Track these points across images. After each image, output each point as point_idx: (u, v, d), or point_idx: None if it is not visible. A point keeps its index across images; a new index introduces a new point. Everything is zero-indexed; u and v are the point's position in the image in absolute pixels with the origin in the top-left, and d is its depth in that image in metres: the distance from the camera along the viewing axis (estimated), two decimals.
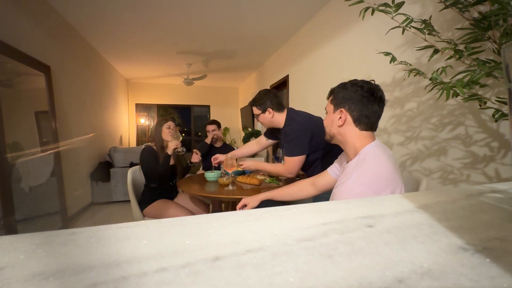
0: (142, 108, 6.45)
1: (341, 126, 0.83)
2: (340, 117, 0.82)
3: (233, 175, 1.55)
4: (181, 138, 1.81)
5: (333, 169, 1.04)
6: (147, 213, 1.76)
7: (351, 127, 0.81)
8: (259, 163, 1.59)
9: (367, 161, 0.75)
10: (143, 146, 1.96)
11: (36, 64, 2.33)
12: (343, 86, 0.83)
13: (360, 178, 0.72)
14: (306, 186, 1.07)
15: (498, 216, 0.29)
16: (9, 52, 1.99)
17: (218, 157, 1.77)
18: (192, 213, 1.79)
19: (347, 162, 0.87)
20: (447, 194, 0.38)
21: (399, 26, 1.09)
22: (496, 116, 0.91)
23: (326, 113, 0.90)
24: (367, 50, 2.05)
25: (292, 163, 1.39)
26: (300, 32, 3.32)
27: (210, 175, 1.74)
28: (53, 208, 2.52)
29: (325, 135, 0.91)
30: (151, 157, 1.78)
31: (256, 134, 4.58)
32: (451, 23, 1.38)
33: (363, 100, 0.79)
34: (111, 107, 4.73)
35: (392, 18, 1.08)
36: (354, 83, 0.82)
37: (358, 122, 0.80)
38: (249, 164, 1.58)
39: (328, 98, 0.90)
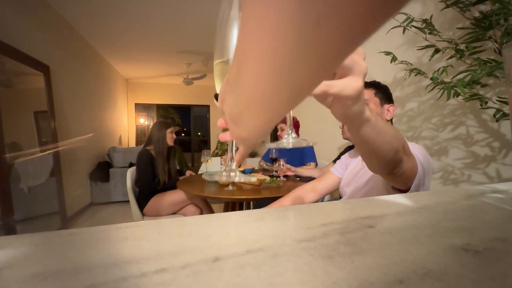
0: (141, 108, 6.45)
1: (388, 120, 0.90)
2: (388, 112, 0.90)
3: None
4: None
5: (336, 169, 1.04)
6: (146, 212, 1.76)
7: (389, 123, 0.90)
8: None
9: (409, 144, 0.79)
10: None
11: (35, 63, 2.32)
12: (384, 85, 0.92)
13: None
14: (298, 199, 1.04)
15: (499, 217, 0.29)
16: (8, 52, 1.99)
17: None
18: (189, 199, 1.81)
19: None
20: (448, 195, 0.38)
21: (399, 26, 1.09)
22: (497, 116, 0.91)
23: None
24: (367, 49, 2.05)
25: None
26: None
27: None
28: (52, 209, 2.52)
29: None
30: (148, 163, 1.78)
31: None
32: (452, 23, 1.38)
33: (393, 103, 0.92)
34: (110, 107, 4.73)
35: (393, 17, 1.08)
36: (387, 87, 0.93)
37: (390, 120, 0.91)
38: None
39: (364, 88, 0.91)
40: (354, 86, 0.28)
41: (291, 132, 0.32)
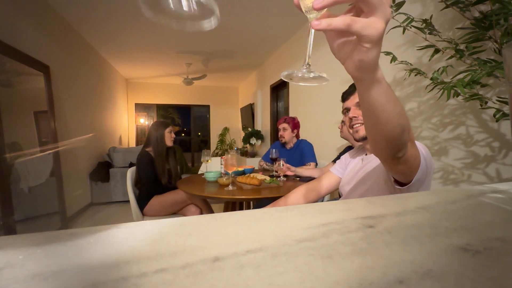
0: (141, 108, 6.45)
1: None
2: None
3: (233, 175, 1.55)
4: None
5: (336, 168, 1.05)
6: (146, 212, 1.76)
7: None
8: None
9: None
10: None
11: (35, 63, 2.32)
12: None
13: None
14: (298, 199, 1.04)
15: (499, 217, 0.29)
16: (8, 52, 1.99)
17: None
18: (190, 199, 1.80)
19: (366, 155, 0.92)
20: (448, 194, 0.38)
21: (399, 26, 1.09)
22: (497, 116, 0.91)
23: (348, 110, 0.89)
24: None
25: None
26: (300, 32, 3.32)
27: (210, 175, 1.74)
28: (52, 209, 2.52)
29: (354, 133, 0.89)
30: (148, 165, 1.78)
31: (256, 134, 4.58)
32: (452, 23, 1.38)
33: None
34: (110, 107, 4.73)
35: (393, 17, 1.08)
36: None
37: None
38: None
39: (352, 95, 0.90)
40: (376, 26, 0.28)
41: (309, 66, 0.31)
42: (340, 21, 0.28)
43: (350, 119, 0.89)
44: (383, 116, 0.39)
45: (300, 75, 0.31)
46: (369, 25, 0.28)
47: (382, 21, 0.28)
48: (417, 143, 0.67)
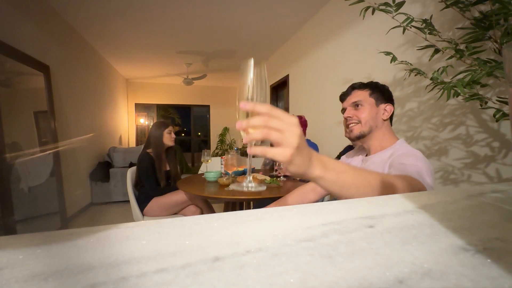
0: (141, 108, 6.45)
1: (385, 120, 0.90)
2: (384, 111, 0.89)
3: (233, 175, 1.55)
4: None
5: None
6: (146, 212, 1.76)
7: (387, 122, 0.90)
8: None
9: (408, 148, 0.82)
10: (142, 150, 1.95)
11: (35, 63, 2.32)
12: (382, 85, 0.92)
13: (411, 154, 0.75)
14: (298, 199, 1.05)
15: (499, 217, 0.29)
16: (8, 52, 1.99)
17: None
18: (190, 199, 1.80)
19: (366, 155, 0.92)
20: (448, 194, 0.38)
21: (399, 26, 1.09)
22: (497, 116, 0.91)
23: (357, 105, 0.89)
24: (367, 49, 2.05)
25: None
26: (300, 32, 3.32)
27: (210, 175, 1.74)
28: (52, 209, 2.52)
29: (354, 129, 0.89)
30: (149, 167, 1.77)
31: None
32: (452, 23, 1.38)
33: (393, 102, 0.92)
34: (110, 107, 4.73)
35: (393, 17, 1.08)
36: (387, 86, 0.93)
37: (390, 119, 0.91)
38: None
39: (358, 89, 0.91)
40: (282, 154, 0.37)
41: (251, 180, 0.44)
42: (258, 150, 0.39)
43: (346, 119, 0.90)
44: (351, 194, 0.44)
45: (245, 189, 0.43)
46: (277, 154, 0.37)
47: (288, 149, 0.36)
48: (418, 162, 0.69)
